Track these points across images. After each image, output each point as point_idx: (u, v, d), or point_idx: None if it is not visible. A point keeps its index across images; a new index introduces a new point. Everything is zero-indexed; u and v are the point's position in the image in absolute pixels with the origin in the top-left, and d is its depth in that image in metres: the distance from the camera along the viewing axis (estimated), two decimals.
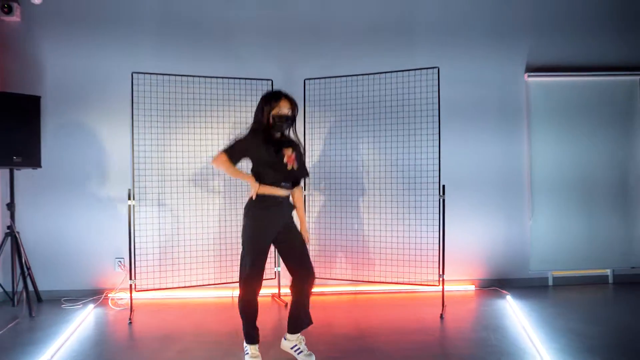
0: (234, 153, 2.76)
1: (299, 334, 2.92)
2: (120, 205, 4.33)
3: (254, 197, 2.77)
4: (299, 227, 2.99)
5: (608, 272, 4.71)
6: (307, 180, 4.31)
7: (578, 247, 4.61)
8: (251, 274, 2.75)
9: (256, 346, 2.86)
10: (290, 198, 2.96)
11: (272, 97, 2.75)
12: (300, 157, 2.91)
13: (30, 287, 4.07)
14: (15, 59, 4.35)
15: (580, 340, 3.16)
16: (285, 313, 3.56)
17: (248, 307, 2.80)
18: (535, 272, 4.64)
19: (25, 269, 3.98)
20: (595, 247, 4.61)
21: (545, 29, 4.65)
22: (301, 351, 2.86)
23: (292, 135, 2.91)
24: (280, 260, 3.49)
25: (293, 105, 2.78)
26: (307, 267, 2.86)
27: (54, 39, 4.37)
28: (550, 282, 4.68)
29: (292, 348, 2.90)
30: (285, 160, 2.77)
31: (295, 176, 2.88)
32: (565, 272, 4.69)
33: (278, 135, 2.82)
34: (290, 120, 2.79)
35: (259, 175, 2.79)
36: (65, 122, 4.36)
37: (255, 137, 2.77)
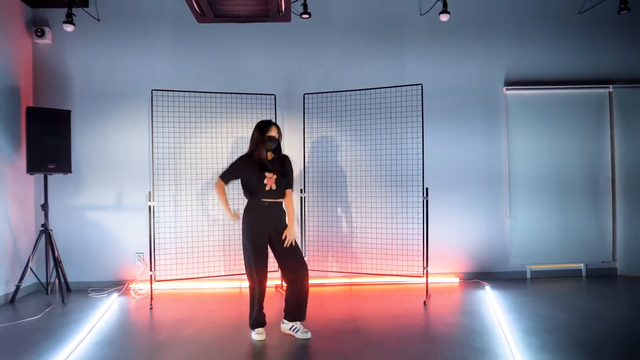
0: (226, 176, 3.51)
1: None
2: (139, 205, 4.86)
3: (233, 218, 3.57)
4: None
5: (581, 266, 5.16)
6: (305, 182, 4.83)
7: (553, 243, 5.06)
8: (255, 270, 3.37)
9: (261, 328, 3.41)
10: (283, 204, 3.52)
11: (265, 124, 3.46)
12: (286, 171, 3.48)
13: (61, 278, 4.60)
14: (47, 77, 4.90)
15: (543, 322, 3.62)
16: None
17: (254, 296, 3.40)
18: (515, 266, 5.10)
19: (57, 262, 4.51)
20: (569, 243, 5.07)
21: (521, 46, 5.13)
22: (298, 330, 3.39)
23: (278, 153, 3.53)
24: None
25: (279, 130, 3.50)
26: (300, 262, 3.41)
27: (80, 58, 4.93)
28: (529, 275, 5.14)
29: (290, 329, 3.43)
30: (265, 181, 3.37)
31: (275, 194, 3.41)
32: (542, 266, 5.15)
33: (268, 154, 3.44)
34: (277, 141, 3.48)
35: (247, 190, 3.45)
36: (92, 132, 4.91)
37: (244, 163, 3.45)
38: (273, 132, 3.42)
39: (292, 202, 3.53)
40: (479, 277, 5.06)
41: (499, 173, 5.12)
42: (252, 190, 3.41)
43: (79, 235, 4.87)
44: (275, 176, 3.40)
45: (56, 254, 4.49)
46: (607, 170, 5.10)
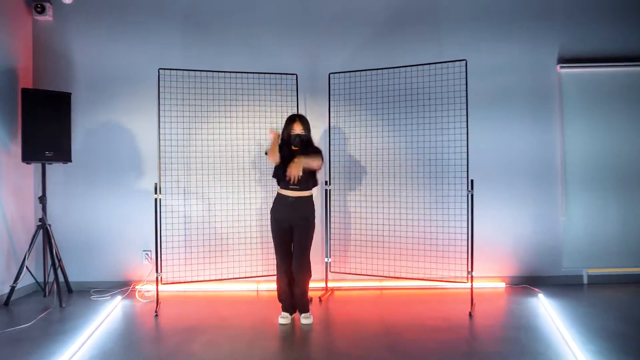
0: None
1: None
2: (147, 198, 4.37)
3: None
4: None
5: None
6: (330, 173, 4.28)
7: (614, 244, 4.40)
8: (277, 258, 3.49)
9: (286, 313, 3.49)
10: (311, 196, 3.48)
11: (288, 120, 3.44)
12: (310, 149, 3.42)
13: (61, 278, 4.19)
14: (48, 57, 4.46)
15: (620, 341, 3.00)
16: (317, 310, 3.61)
17: (277, 284, 3.54)
18: (569, 270, 4.46)
19: (56, 261, 4.08)
20: (633, 243, 4.40)
21: (577, 18, 4.45)
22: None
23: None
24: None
25: (303, 126, 3.39)
26: (299, 263, 3.41)
27: (84, 37, 4.46)
28: (585, 281, 4.49)
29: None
30: (288, 172, 3.26)
31: (299, 183, 3.36)
32: (601, 270, 4.49)
33: (296, 148, 3.38)
34: (303, 137, 3.38)
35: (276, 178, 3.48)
36: (95, 117, 4.44)
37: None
38: (297, 130, 3.37)
39: (315, 156, 3.38)
40: (528, 281, 4.43)
41: (551, 164, 4.47)
42: (282, 176, 3.35)
43: (81, 230, 4.43)
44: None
45: (55, 251, 4.06)
46: None
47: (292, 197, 3.38)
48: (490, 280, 4.44)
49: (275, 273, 3.53)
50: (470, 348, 2.99)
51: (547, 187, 4.47)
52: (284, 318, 3.45)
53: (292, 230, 3.43)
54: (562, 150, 4.44)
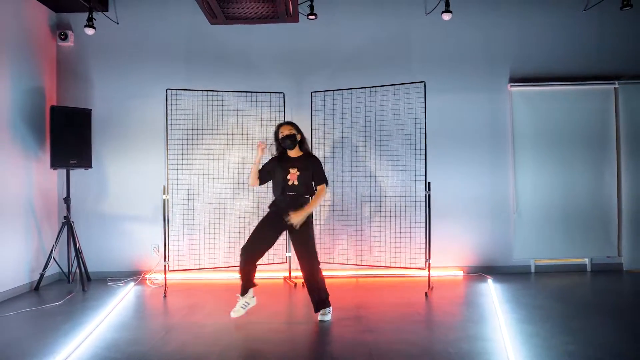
0: (261, 174, 3.78)
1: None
2: (155, 199, 5.08)
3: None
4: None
5: (586, 261, 5.21)
6: None
7: (558, 238, 5.13)
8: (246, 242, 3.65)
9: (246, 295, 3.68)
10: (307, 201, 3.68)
11: (276, 128, 3.76)
12: (311, 168, 3.65)
13: (82, 268, 4.88)
14: (70, 78, 5.20)
15: (540, 312, 3.72)
16: (296, 293, 4.27)
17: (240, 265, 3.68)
18: (519, 261, 5.19)
19: (78, 253, 4.78)
20: (574, 238, 5.12)
21: (526, 41, 5.21)
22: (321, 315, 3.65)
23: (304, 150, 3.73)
24: (291, 246, 4.30)
25: (291, 126, 3.68)
26: (302, 264, 3.61)
27: (101, 61, 5.21)
28: (533, 270, 5.22)
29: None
30: (288, 177, 3.63)
31: (296, 190, 3.62)
32: (546, 261, 5.22)
33: (291, 152, 3.69)
34: (292, 137, 3.64)
35: (273, 185, 3.75)
36: (111, 130, 5.18)
37: (272, 162, 3.76)
38: (285, 132, 3.64)
39: (318, 194, 3.68)
40: (483, 271, 5.16)
41: (504, 165, 5.21)
42: (278, 183, 3.65)
43: (98, 227, 5.15)
44: (298, 172, 3.62)
45: (77, 245, 4.76)
46: (612, 166, 5.14)
47: (285, 201, 3.61)
48: (451, 269, 5.17)
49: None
50: (421, 317, 3.71)
51: (502, 188, 5.21)
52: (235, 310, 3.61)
53: (282, 228, 3.62)
54: (513, 150, 5.18)
